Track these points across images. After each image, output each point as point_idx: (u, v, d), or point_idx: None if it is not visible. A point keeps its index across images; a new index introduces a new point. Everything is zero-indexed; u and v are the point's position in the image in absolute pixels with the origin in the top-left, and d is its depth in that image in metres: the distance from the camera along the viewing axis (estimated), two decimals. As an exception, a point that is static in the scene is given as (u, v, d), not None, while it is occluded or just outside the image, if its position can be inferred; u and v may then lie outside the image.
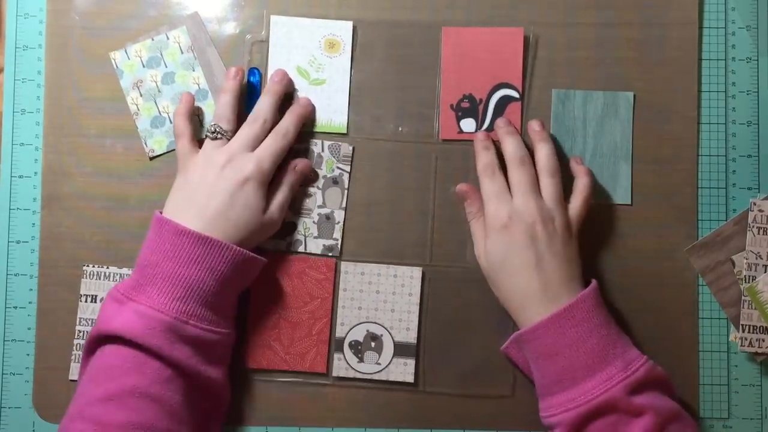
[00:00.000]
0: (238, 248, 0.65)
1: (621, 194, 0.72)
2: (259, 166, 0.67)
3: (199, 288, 0.64)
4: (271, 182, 0.69)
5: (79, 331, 0.72)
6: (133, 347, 0.61)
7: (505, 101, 0.72)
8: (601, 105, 0.72)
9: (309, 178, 0.72)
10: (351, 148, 0.72)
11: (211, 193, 0.66)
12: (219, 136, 0.68)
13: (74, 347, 0.72)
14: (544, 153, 0.69)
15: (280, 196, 0.69)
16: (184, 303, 0.63)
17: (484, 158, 0.69)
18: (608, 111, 0.72)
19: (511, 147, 0.69)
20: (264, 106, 0.70)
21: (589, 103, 0.72)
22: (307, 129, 0.72)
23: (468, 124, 0.72)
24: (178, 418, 0.62)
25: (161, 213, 0.67)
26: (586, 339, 0.62)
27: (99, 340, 0.63)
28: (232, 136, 0.69)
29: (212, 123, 0.69)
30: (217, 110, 0.70)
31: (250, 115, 0.70)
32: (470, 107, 0.72)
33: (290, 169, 0.70)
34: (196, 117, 0.72)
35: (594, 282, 0.66)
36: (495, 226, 0.66)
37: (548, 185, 0.68)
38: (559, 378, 0.62)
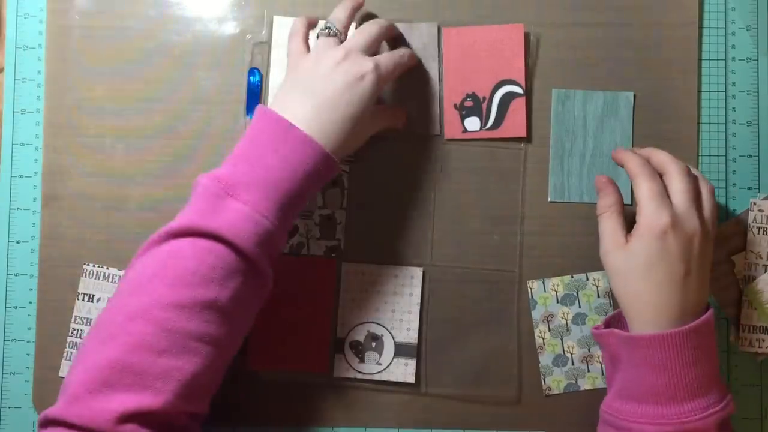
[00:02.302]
0: (335, 161, 0.62)
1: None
2: (379, 65, 0.64)
3: (293, 197, 0.60)
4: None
5: (74, 329, 0.72)
6: (227, 249, 0.57)
7: (509, 98, 0.72)
8: (601, 105, 0.73)
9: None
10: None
11: (325, 83, 0.62)
12: (334, 33, 0.66)
13: (68, 345, 0.72)
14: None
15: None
16: (282, 211, 0.59)
17: (638, 160, 0.65)
18: (608, 111, 0.73)
19: (664, 155, 0.65)
20: (377, 21, 0.69)
21: (589, 103, 0.73)
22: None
23: (472, 123, 0.72)
24: (241, 335, 0.61)
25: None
26: (701, 363, 0.60)
27: (179, 234, 0.57)
28: (344, 39, 0.66)
29: (326, 23, 0.66)
30: (332, 15, 0.67)
31: (364, 24, 0.68)
32: (474, 106, 0.72)
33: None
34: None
35: (710, 310, 0.63)
36: (652, 229, 0.61)
37: (707, 200, 0.64)
38: (657, 390, 0.60)
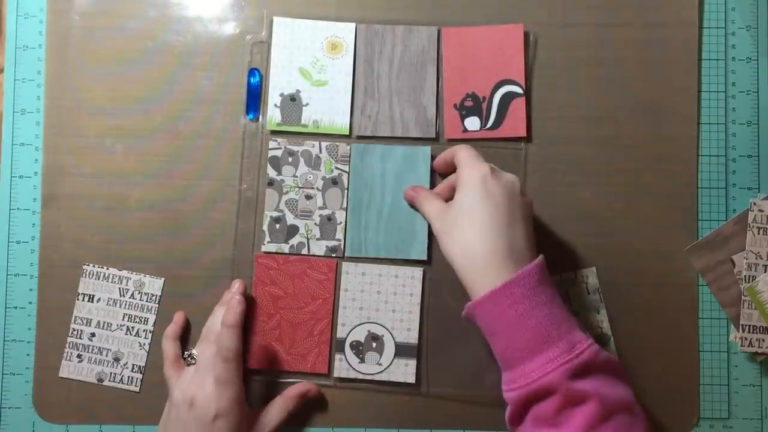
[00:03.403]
0: None
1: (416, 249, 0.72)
2: (221, 399, 0.65)
3: None
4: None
5: (74, 330, 0.72)
6: None
7: (509, 97, 0.72)
8: (401, 159, 0.71)
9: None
10: (349, 148, 0.72)
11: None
12: (192, 362, 0.69)
13: (68, 345, 0.72)
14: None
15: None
16: None
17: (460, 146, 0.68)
18: (407, 166, 0.72)
19: (465, 149, 0.67)
20: (214, 323, 0.69)
21: (387, 158, 0.72)
22: (308, 131, 0.72)
23: (472, 123, 0.72)
24: None
25: None
26: (526, 319, 0.58)
27: None
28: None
29: (189, 350, 0.70)
30: (204, 330, 0.70)
31: (203, 333, 0.70)
32: (474, 106, 0.72)
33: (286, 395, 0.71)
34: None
35: (540, 257, 0.61)
36: (472, 177, 0.63)
37: None
38: (502, 355, 0.60)
